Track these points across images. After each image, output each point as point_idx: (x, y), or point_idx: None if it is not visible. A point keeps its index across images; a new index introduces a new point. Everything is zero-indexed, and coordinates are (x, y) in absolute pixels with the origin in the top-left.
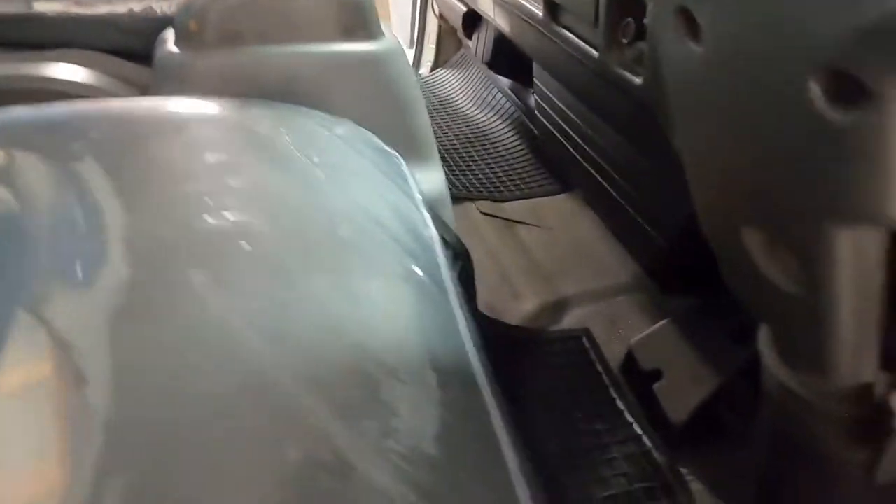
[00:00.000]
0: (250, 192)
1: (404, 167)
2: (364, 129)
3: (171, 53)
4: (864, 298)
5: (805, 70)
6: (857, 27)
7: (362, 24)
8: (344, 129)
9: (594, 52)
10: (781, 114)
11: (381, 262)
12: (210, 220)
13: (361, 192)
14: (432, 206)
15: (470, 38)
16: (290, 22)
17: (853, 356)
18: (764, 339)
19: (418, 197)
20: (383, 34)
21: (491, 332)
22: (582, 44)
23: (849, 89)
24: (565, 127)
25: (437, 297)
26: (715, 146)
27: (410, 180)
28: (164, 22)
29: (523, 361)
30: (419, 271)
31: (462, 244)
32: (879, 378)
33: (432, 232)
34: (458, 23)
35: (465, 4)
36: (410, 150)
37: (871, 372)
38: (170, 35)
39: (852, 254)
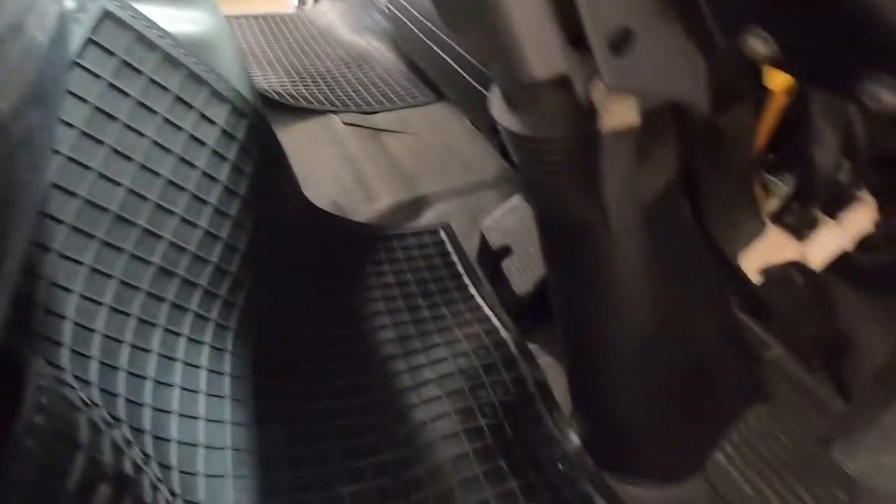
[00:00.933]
0: None
1: None
2: None
3: None
4: None
5: None
6: None
7: None
8: None
9: None
10: None
11: None
12: None
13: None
14: (201, 49)
15: None
16: None
17: (531, 33)
18: (492, 96)
19: None
20: None
21: (328, 226)
22: None
23: None
24: (415, 13)
25: None
26: None
27: None
28: None
29: (369, 257)
30: None
31: (245, 98)
32: (574, 63)
33: None
34: None
35: None
36: None
37: (557, 54)
38: None
39: None
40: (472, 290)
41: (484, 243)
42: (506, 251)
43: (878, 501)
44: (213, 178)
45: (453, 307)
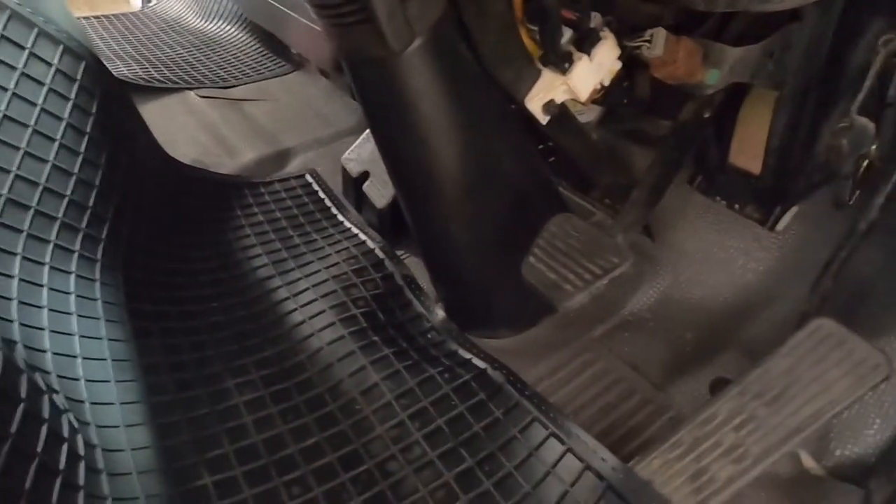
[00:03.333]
0: None
1: None
2: None
3: None
4: None
5: None
6: None
7: None
8: None
9: None
10: None
11: None
12: None
13: None
14: None
15: None
16: None
17: None
18: None
19: None
20: None
21: (190, 177)
22: None
23: None
24: None
25: None
26: None
27: None
28: None
29: (237, 204)
30: None
31: (80, 43)
32: None
33: None
34: None
35: None
36: None
37: None
38: None
39: None
40: (341, 217)
41: (346, 174)
42: (365, 176)
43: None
44: (55, 116)
45: (324, 233)
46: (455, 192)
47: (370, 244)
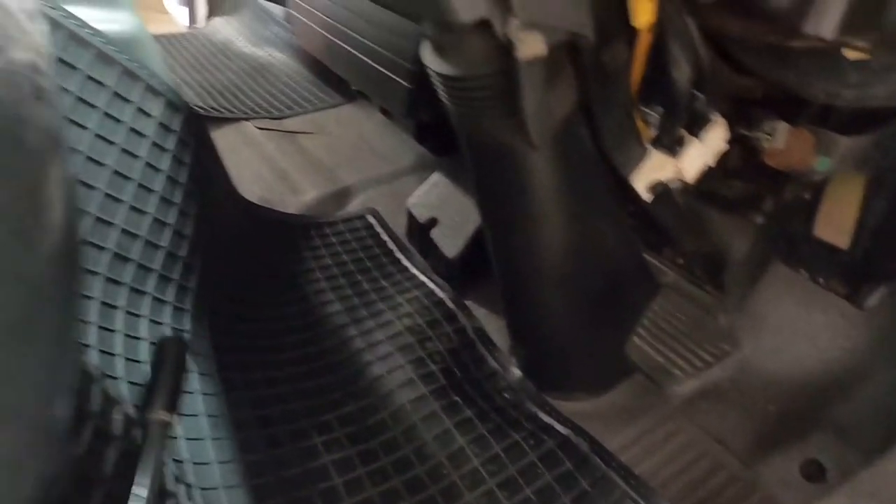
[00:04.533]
0: None
1: None
2: None
3: None
4: None
5: None
6: None
7: None
8: None
9: None
10: None
11: None
12: None
13: None
14: (129, 48)
15: None
16: None
17: None
18: (423, 47)
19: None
20: None
21: (263, 218)
22: None
23: None
24: (321, 16)
25: None
26: None
27: None
28: None
29: (306, 244)
30: None
31: (177, 94)
32: (492, 8)
33: None
34: None
35: None
36: None
37: (479, 3)
38: None
39: None
40: (406, 262)
41: (411, 219)
42: (433, 223)
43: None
44: (155, 168)
45: (392, 279)
46: (557, 267)
47: (439, 294)
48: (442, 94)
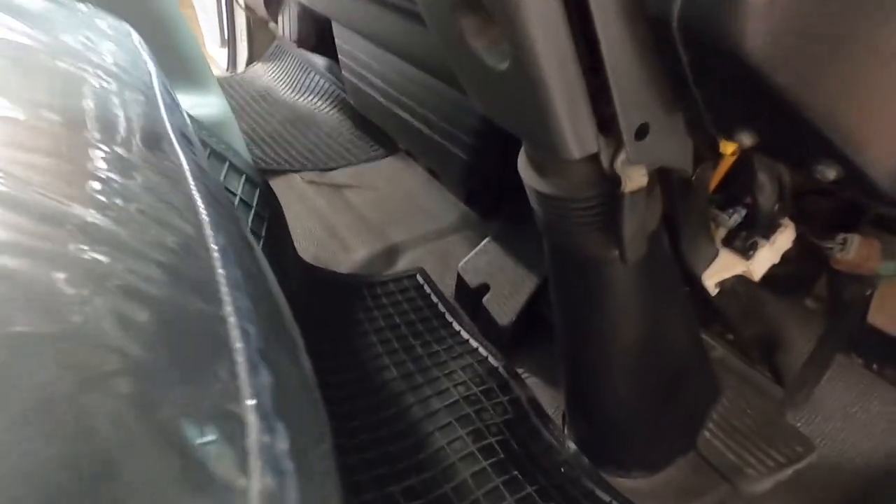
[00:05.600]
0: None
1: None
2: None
3: None
4: (564, 66)
5: None
6: None
7: None
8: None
9: None
10: None
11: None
12: None
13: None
14: (215, 131)
15: (276, 20)
16: None
17: (572, 125)
18: (521, 160)
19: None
20: None
21: (318, 279)
22: None
23: None
24: (371, 77)
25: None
26: None
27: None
28: None
29: (359, 304)
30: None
31: (260, 176)
32: (601, 144)
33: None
34: (262, 8)
35: None
36: (182, 73)
37: (591, 139)
38: None
39: (542, 19)
40: (457, 326)
41: (461, 283)
42: (484, 288)
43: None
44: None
45: (443, 343)
46: (628, 360)
47: (493, 361)
48: (535, 206)
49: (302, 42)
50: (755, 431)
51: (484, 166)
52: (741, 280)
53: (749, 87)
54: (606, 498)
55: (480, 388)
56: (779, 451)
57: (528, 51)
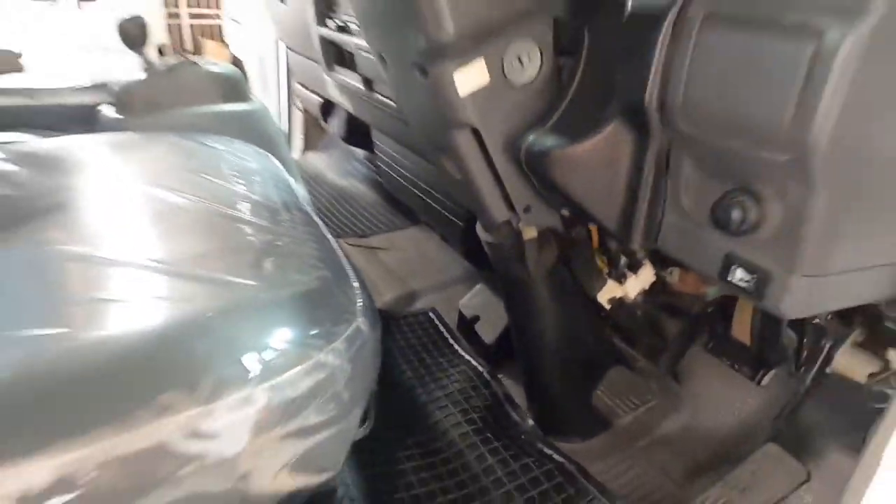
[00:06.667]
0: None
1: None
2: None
3: (112, 118)
4: (485, 177)
5: None
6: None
7: (237, 92)
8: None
9: (394, 104)
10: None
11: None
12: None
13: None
14: None
15: (327, 121)
16: (189, 91)
17: (494, 205)
18: (478, 225)
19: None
20: (252, 98)
21: None
22: (390, 101)
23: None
24: (400, 169)
25: None
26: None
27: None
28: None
29: (387, 332)
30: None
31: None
32: (511, 215)
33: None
34: (317, 111)
35: (320, 96)
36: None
37: (505, 213)
38: (106, 108)
39: (472, 154)
40: (457, 347)
41: (461, 316)
42: (476, 319)
43: (690, 410)
44: None
45: (446, 358)
46: (555, 348)
47: (480, 369)
48: (487, 250)
49: (347, 138)
50: (626, 390)
51: (475, 231)
52: (643, 304)
53: (560, 192)
54: (549, 451)
55: (470, 385)
56: (638, 399)
57: (468, 170)
